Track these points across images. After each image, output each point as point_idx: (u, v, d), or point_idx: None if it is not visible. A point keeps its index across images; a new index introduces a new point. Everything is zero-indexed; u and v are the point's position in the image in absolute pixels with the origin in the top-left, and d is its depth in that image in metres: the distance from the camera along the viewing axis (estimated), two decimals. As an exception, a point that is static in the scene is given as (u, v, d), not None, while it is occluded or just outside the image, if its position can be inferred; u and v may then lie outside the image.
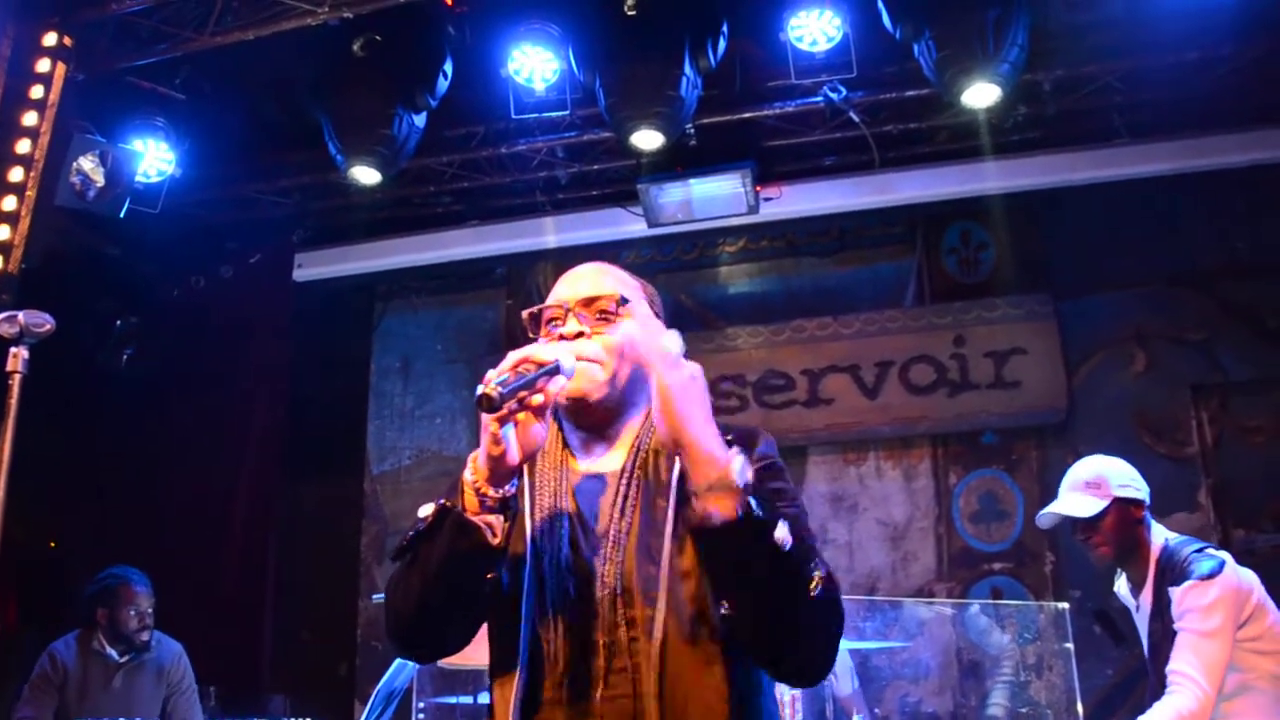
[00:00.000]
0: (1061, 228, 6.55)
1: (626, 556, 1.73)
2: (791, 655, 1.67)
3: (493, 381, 1.60)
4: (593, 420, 1.87)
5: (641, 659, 1.66)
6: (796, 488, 1.84)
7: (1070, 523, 3.36)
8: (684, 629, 1.67)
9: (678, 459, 1.75)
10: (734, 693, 1.67)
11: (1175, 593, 3.07)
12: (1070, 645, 5.28)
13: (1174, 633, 3.07)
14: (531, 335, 1.92)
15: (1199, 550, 3.16)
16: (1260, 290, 6.20)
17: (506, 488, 1.68)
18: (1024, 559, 6.29)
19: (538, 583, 1.74)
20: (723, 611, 1.63)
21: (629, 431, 1.88)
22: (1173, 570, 3.14)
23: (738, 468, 1.58)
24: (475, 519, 1.66)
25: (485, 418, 1.62)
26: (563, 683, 1.70)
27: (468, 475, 1.69)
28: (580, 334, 1.84)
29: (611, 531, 1.76)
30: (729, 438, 1.73)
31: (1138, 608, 3.34)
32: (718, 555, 1.61)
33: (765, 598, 1.60)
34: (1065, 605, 5.44)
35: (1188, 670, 2.96)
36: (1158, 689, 3.16)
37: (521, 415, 1.65)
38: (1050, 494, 6.17)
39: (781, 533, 1.57)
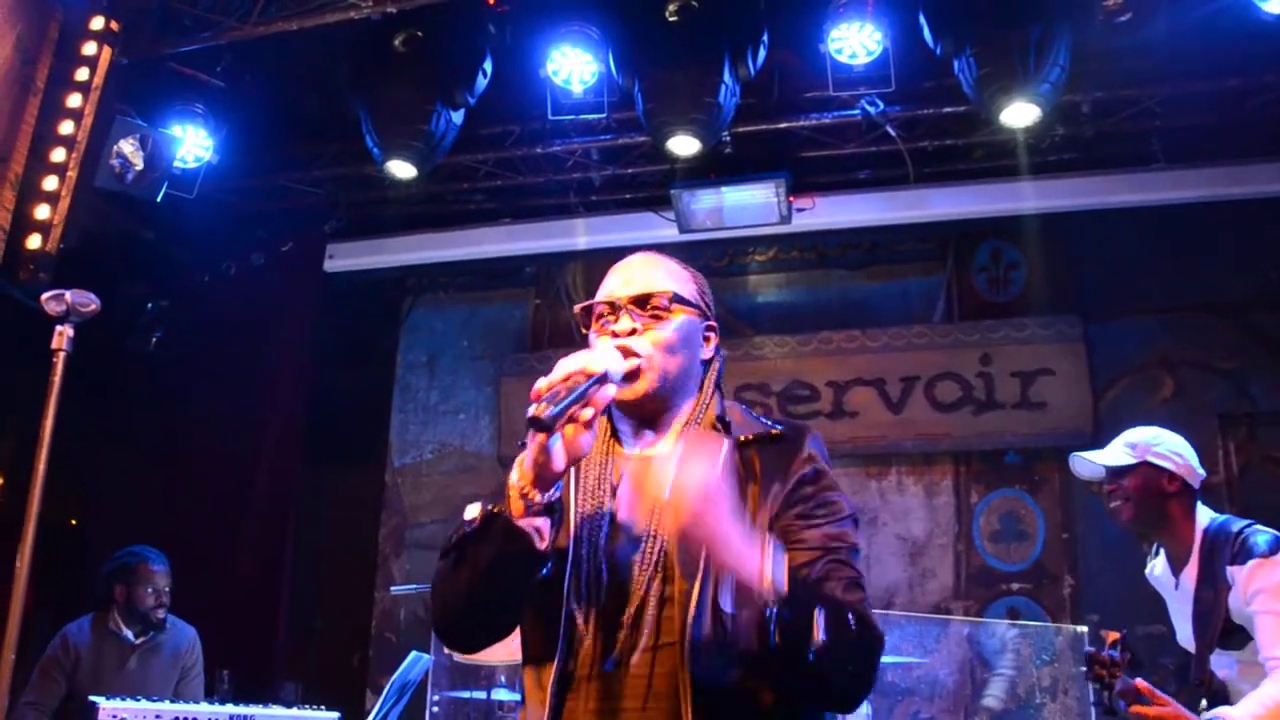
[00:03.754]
0: (1093, 250, 6.52)
1: (669, 536, 1.73)
2: (823, 705, 1.76)
3: (544, 398, 1.59)
4: (644, 412, 1.88)
5: (678, 635, 1.68)
6: (838, 491, 1.85)
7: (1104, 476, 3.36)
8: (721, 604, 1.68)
9: (725, 439, 1.78)
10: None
11: (1239, 572, 3.03)
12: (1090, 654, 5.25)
13: (1226, 603, 3.04)
14: (584, 330, 1.94)
15: (1249, 525, 3.14)
16: (1291, 321, 6.16)
17: (552, 492, 1.69)
18: (1043, 581, 6.25)
19: (577, 568, 1.76)
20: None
21: (679, 418, 1.89)
22: (1227, 546, 3.10)
23: (774, 576, 1.58)
24: (523, 524, 1.67)
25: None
26: (599, 662, 1.72)
27: (514, 479, 1.69)
28: (633, 331, 1.86)
29: (656, 512, 1.75)
30: (776, 431, 1.86)
31: (1176, 586, 3.28)
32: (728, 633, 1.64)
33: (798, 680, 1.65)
34: (1084, 629, 5.41)
35: None
36: (1203, 661, 3.14)
37: (569, 430, 1.65)
38: (1072, 517, 6.21)
39: (817, 639, 1.58)
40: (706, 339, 1.96)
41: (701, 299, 1.98)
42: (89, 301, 2.63)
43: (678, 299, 1.90)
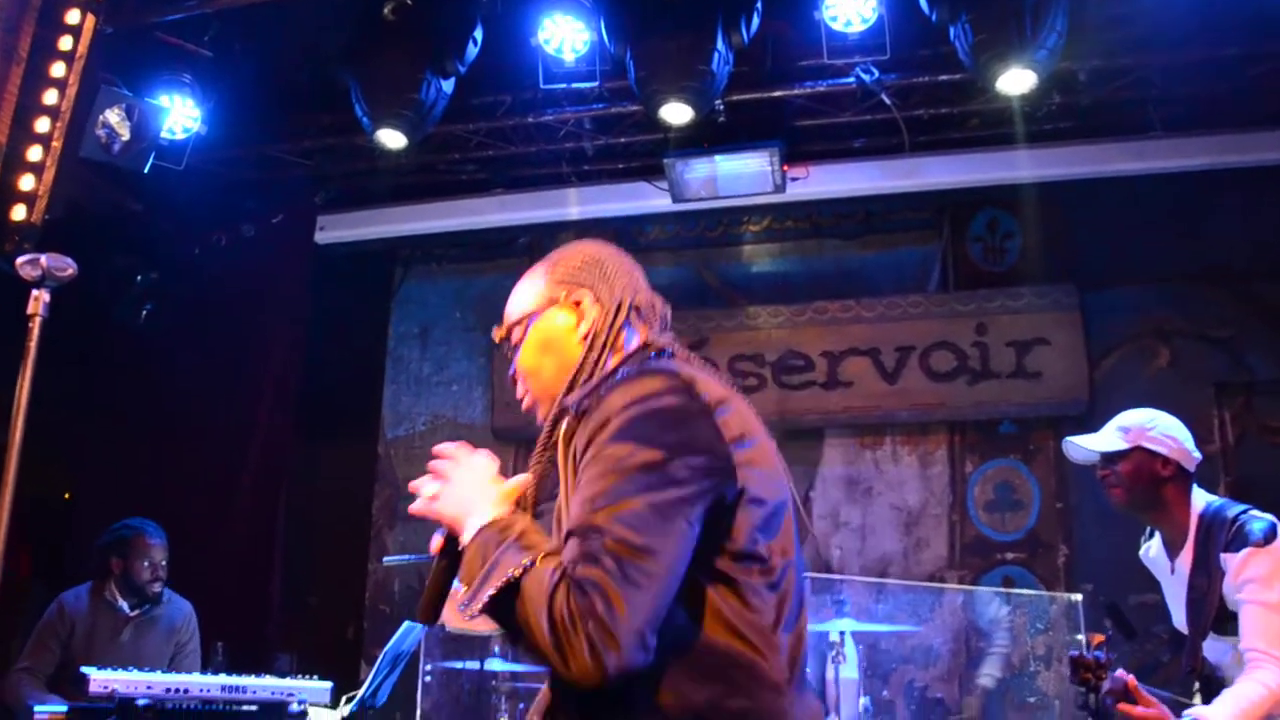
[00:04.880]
0: (1090, 219, 6.48)
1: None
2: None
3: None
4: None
5: None
6: (621, 443, 1.57)
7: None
8: None
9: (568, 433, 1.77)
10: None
11: (1233, 560, 3.00)
12: (1082, 637, 5.25)
13: (1220, 589, 3.02)
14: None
15: (1245, 511, 3.09)
16: (1288, 290, 6.13)
17: None
18: (1037, 550, 6.26)
19: None
20: None
21: None
22: (1222, 531, 3.06)
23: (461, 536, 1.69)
24: None
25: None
26: None
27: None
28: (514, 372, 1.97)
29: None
30: (585, 397, 1.70)
31: (1172, 570, 3.26)
32: None
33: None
34: (1078, 597, 5.41)
35: (1264, 646, 2.90)
36: (1196, 648, 3.13)
37: None
38: (1067, 486, 6.21)
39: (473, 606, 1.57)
40: (577, 314, 1.89)
41: (552, 284, 1.93)
42: (65, 265, 2.59)
43: (527, 317, 1.93)
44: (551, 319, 1.90)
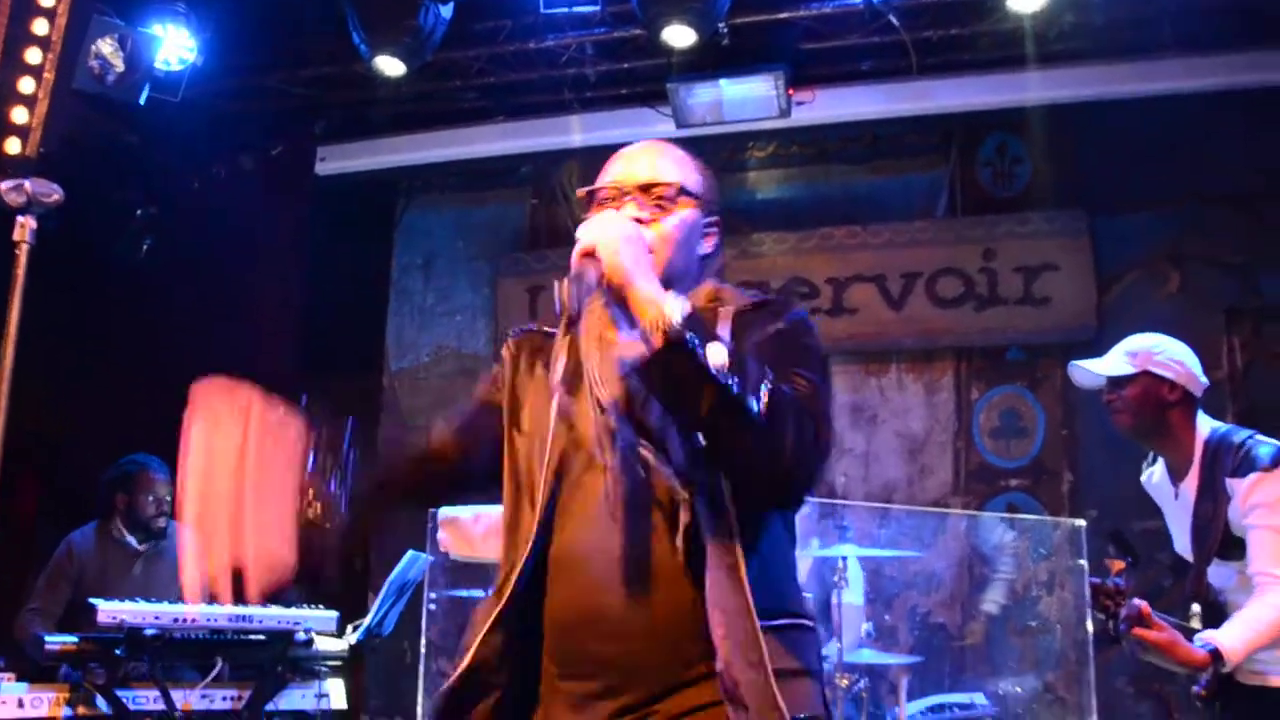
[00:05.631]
0: (1100, 143, 6.35)
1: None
2: (758, 475, 1.67)
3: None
4: None
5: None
6: (815, 345, 1.85)
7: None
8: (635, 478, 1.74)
9: (727, 316, 1.82)
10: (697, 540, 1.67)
11: (1239, 485, 2.98)
12: (1084, 562, 5.27)
13: (1225, 514, 3.01)
14: (584, 216, 1.89)
15: (1251, 435, 3.08)
16: (1303, 214, 6.02)
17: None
18: (1041, 477, 6.25)
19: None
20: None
21: None
22: (1229, 456, 3.04)
23: (672, 305, 1.59)
24: None
25: None
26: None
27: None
28: (637, 219, 1.82)
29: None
30: (759, 301, 1.87)
31: (1176, 496, 3.24)
32: (657, 391, 1.66)
33: (710, 427, 1.63)
34: (1082, 522, 5.41)
35: (1274, 569, 2.89)
36: (1200, 573, 3.12)
37: None
38: (1073, 413, 6.18)
39: (716, 358, 1.56)
40: (707, 235, 1.95)
41: (707, 193, 1.95)
42: (51, 191, 2.54)
43: (684, 191, 1.88)
44: (699, 218, 1.92)
